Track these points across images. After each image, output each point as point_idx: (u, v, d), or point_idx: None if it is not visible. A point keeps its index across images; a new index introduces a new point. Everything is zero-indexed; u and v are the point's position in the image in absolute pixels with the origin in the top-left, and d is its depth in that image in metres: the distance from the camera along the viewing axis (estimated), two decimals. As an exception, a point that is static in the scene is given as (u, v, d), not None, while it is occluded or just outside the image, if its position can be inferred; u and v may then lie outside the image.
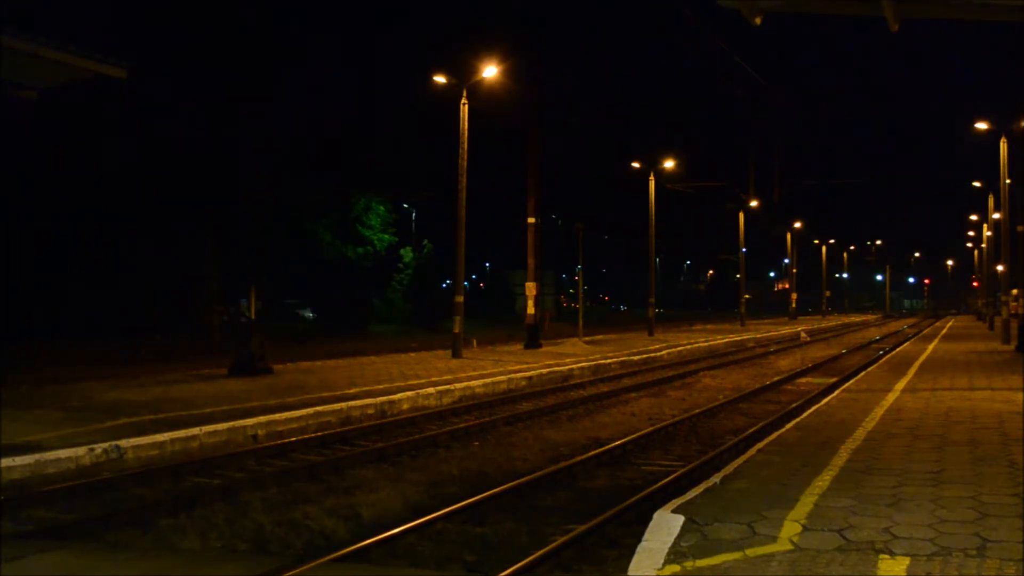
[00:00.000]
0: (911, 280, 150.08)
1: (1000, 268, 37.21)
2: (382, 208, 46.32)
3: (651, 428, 12.87)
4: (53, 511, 8.16)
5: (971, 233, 74.11)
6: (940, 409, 12.49)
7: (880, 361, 23.92)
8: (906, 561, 5.46)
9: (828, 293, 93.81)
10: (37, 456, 9.38)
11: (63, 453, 9.63)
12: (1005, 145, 30.97)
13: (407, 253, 51.97)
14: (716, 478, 7.83)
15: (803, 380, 21.23)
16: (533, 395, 17.22)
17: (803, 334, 43.37)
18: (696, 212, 76.01)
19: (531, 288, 27.56)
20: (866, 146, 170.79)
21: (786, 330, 47.25)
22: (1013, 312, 32.65)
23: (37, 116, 26.55)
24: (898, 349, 30.22)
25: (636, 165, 41.79)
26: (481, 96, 25.84)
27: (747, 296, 70.02)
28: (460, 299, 23.83)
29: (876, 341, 40.47)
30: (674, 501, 7.04)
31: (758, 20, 8.39)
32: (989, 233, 50.83)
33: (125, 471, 9.67)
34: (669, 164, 41.73)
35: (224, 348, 21.99)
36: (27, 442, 9.98)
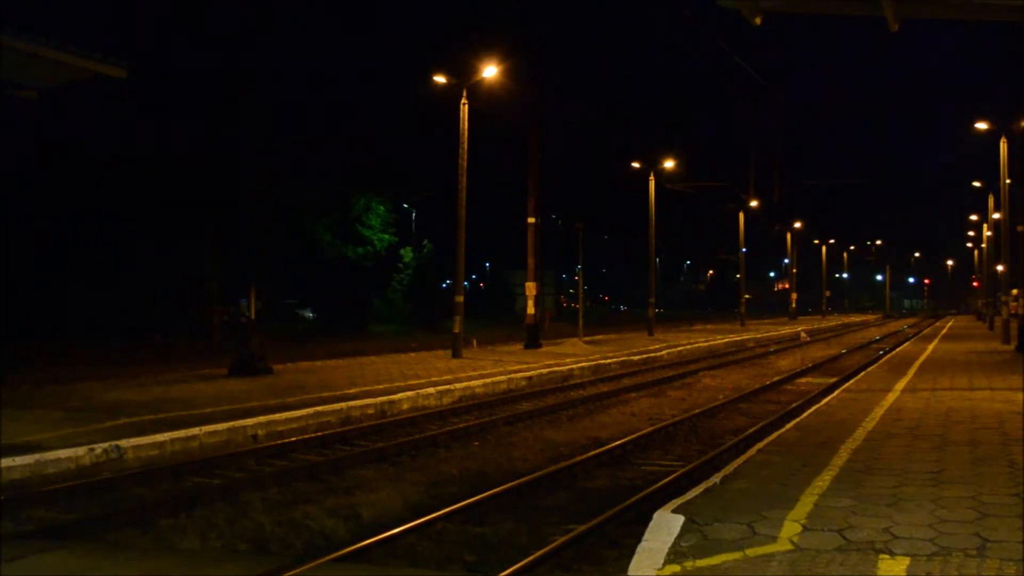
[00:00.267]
0: (911, 280, 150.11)
1: (1000, 268, 37.21)
2: (382, 208, 46.33)
3: (651, 428, 12.87)
4: (53, 511, 8.16)
5: (971, 233, 74.15)
6: (940, 409, 12.49)
7: (880, 361, 23.92)
8: (906, 561, 5.46)
9: (828, 293, 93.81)
10: (37, 456, 9.38)
11: (63, 453, 9.63)
12: (1005, 145, 30.97)
13: (407, 253, 51.98)
14: (716, 478, 7.83)
15: (803, 380, 21.23)
16: (533, 395, 17.22)
17: (803, 334, 43.37)
18: (696, 212, 76.09)
19: (531, 288, 27.57)
20: (866, 146, 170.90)
21: (786, 330, 47.25)
22: (1013, 312, 32.64)
23: (37, 116, 26.57)
24: (898, 349, 30.22)
25: (636, 165, 41.81)
26: (481, 96, 25.84)
27: (747, 296, 70.02)
28: (460, 299, 23.83)
29: (876, 341, 40.47)
30: (674, 501, 7.04)
31: (758, 20, 8.38)
32: (989, 233, 50.84)
33: (125, 471, 9.67)
34: (669, 164, 41.74)
35: (224, 348, 21.99)
36: (27, 442, 9.98)
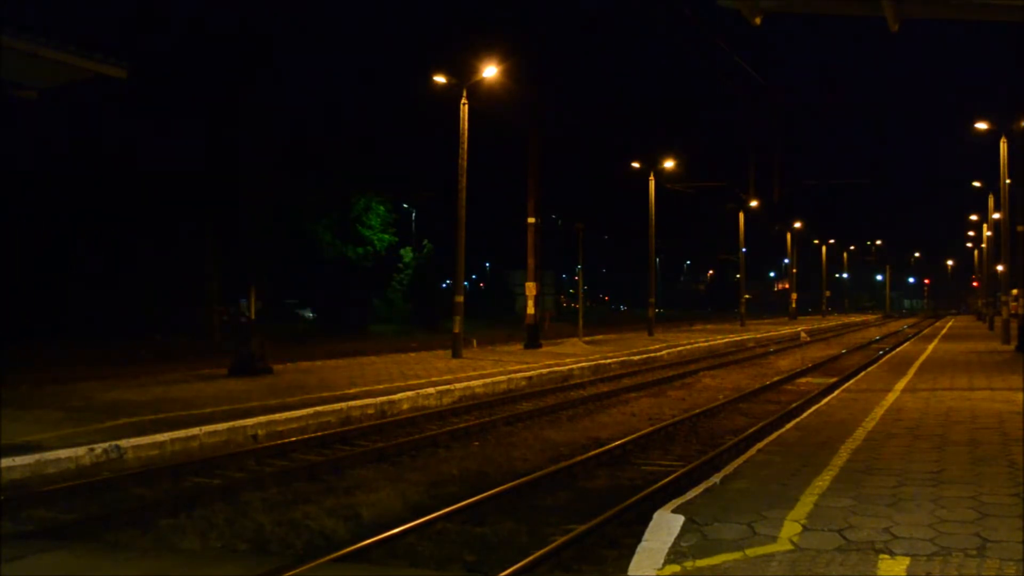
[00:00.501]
0: (911, 280, 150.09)
1: (1000, 268, 37.20)
2: (382, 208, 46.32)
3: (651, 428, 12.87)
4: (53, 511, 8.16)
5: (971, 233, 74.16)
6: (940, 409, 12.49)
7: (880, 361, 23.92)
8: (906, 561, 5.46)
9: (828, 293, 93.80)
10: (37, 456, 9.38)
11: (63, 453, 9.63)
12: (1005, 145, 30.97)
13: (407, 253, 51.97)
14: (716, 478, 7.83)
15: (803, 380, 21.23)
16: (533, 395, 17.22)
17: (803, 334, 43.37)
18: (696, 212, 76.01)
19: (531, 288, 27.57)
20: (866, 146, 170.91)
21: (786, 330, 47.25)
22: (1013, 312, 32.64)
23: (37, 116, 26.57)
24: (898, 349, 30.21)
25: (636, 165, 41.81)
26: (481, 96, 25.84)
27: (747, 296, 70.02)
28: (460, 299, 23.83)
29: (876, 341, 40.47)
30: (674, 501, 7.04)
31: (758, 20, 8.39)
32: (989, 233, 50.84)
33: (125, 471, 9.67)
34: (669, 164, 41.75)
35: (224, 348, 21.99)
36: (27, 442, 9.98)
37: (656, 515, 6.59)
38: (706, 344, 32.32)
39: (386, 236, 46.72)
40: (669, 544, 5.88)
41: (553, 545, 6.85)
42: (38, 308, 31.07)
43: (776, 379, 20.63)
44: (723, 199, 59.79)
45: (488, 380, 17.73)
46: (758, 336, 39.69)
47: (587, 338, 31.26)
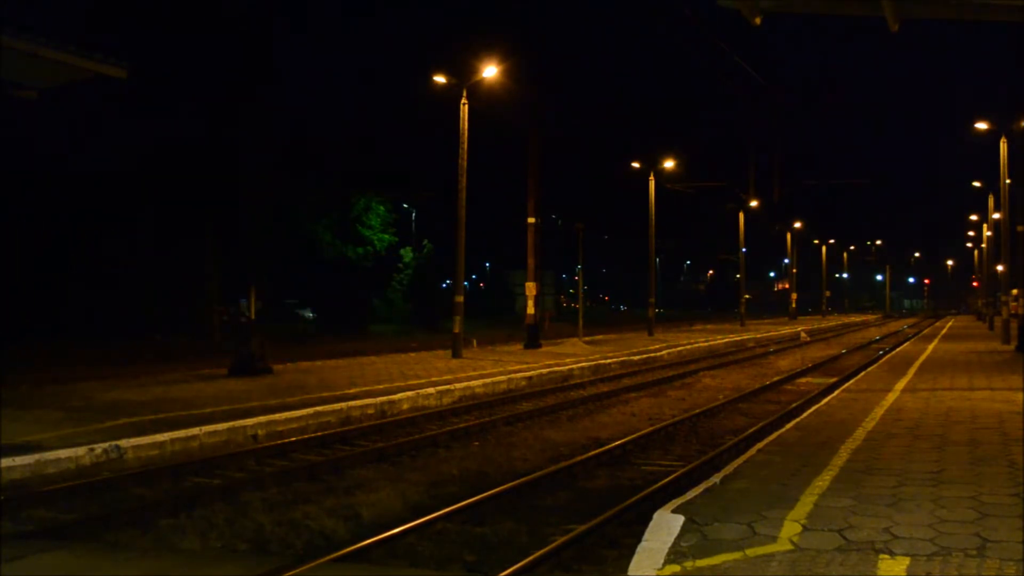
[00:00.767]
0: (911, 280, 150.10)
1: (1000, 268, 37.20)
2: (382, 208, 46.32)
3: (651, 428, 12.87)
4: (53, 511, 8.16)
5: (971, 233, 74.14)
6: (940, 409, 12.49)
7: (880, 361, 23.92)
8: (906, 561, 5.46)
9: (828, 293, 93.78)
10: (37, 456, 9.38)
11: (63, 453, 9.63)
12: (1005, 145, 30.97)
13: (407, 253, 51.97)
14: (716, 478, 7.83)
15: (803, 380, 21.23)
16: (533, 395, 17.22)
17: (803, 334, 43.37)
18: (696, 212, 76.03)
19: (531, 288, 27.57)
20: (866, 146, 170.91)
21: (786, 330, 47.25)
22: (1013, 312, 32.64)
23: (37, 116, 26.56)
24: (898, 349, 30.21)
25: (636, 165, 41.81)
26: (481, 96, 25.84)
27: (747, 296, 70.01)
28: (460, 299, 23.83)
29: (876, 341, 40.47)
30: (674, 501, 7.04)
31: (758, 20, 8.39)
32: (989, 233, 50.83)
33: (125, 471, 9.67)
34: (669, 164, 41.74)
35: (224, 348, 22.00)
36: (27, 442, 9.99)
37: (656, 515, 6.59)
38: (706, 344, 32.32)
39: (386, 236, 46.71)
40: (669, 544, 5.88)
41: (553, 545, 6.85)
42: (38, 308, 31.08)
43: (776, 379, 20.63)
44: (723, 199, 59.83)
45: (488, 380, 17.73)
46: (758, 336, 39.70)
47: (587, 338, 31.26)
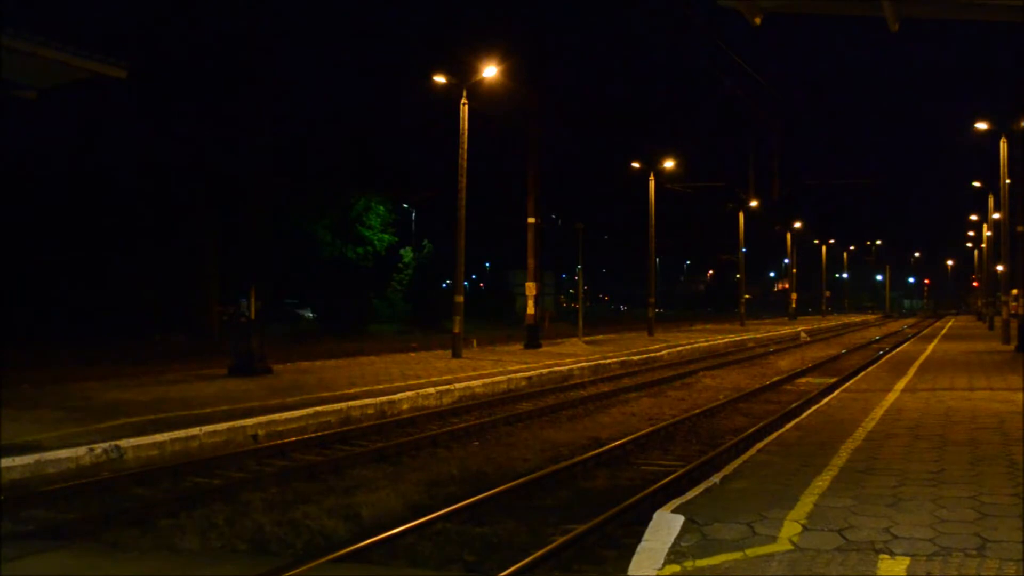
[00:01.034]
0: (911, 280, 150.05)
1: (1000, 268, 37.20)
2: (382, 208, 46.30)
3: (651, 428, 12.87)
4: (53, 511, 8.16)
5: (971, 233, 74.15)
6: (940, 409, 12.49)
7: (880, 361, 23.92)
8: (906, 561, 5.46)
9: (828, 293, 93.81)
10: (37, 456, 9.38)
11: (63, 453, 9.63)
12: (1005, 145, 30.97)
13: (407, 253, 51.97)
14: (716, 478, 7.83)
15: (803, 380, 21.23)
16: (533, 395, 17.22)
17: (803, 334, 43.37)
18: (696, 212, 75.98)
19: (531, 288, 27.57)
20: (866, 146, 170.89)
21: (786, 330, 47.25)
22: (1013, 312, 32.64)
23: (37, 115, 26.58)
24: (898, 349, 30.22)
25: (636, 165, 41.82)
26: (481, 96, 25.84)
27: (747, 296, 70.05)
28: (460, 299, 23.83)
29: (876, 341, 40.47)
30: (674, 501, 7.04)
31: (758, 20, 8.39)
32: (989, 233, 50.83)
33: (125, 471, 9.67)
34: (669, 164, 41.75)
35: (224, 348, 21.99)
36: (27, 442, 9.99)
37: (656, 515, 6.59)
38: (706, 344, 32.32)
39: (386, 236, 46.70)
40: (669, 544, 5.88)
41: (553, 545, 6.85)
42: (38, 308, 31.07)
43: (776, 379, 20.64)
44: (723, 199, 59.86)
45: (488, 380, 17.73)
46: (758, 336, 39.70)
47: (587, 338, 31.26)
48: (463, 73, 24.50)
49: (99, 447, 9.95)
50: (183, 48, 35.25)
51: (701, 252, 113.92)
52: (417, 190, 50.86)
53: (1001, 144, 31.01)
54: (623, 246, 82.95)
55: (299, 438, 11.68)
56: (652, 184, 40.61)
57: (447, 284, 47.78)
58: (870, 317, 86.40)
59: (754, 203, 57.89)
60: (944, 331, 45.48)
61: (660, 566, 5.50)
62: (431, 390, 15.77)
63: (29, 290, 30.72)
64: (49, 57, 9.34)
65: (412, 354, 25.33)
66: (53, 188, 33.16)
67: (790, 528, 6.16)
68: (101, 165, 34.45)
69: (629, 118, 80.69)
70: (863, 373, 19.88)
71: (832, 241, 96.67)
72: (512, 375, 18.85)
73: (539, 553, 6.62)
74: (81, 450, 9.79)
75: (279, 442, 11.39)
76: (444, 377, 17.94)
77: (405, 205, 55.01)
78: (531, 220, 27.71)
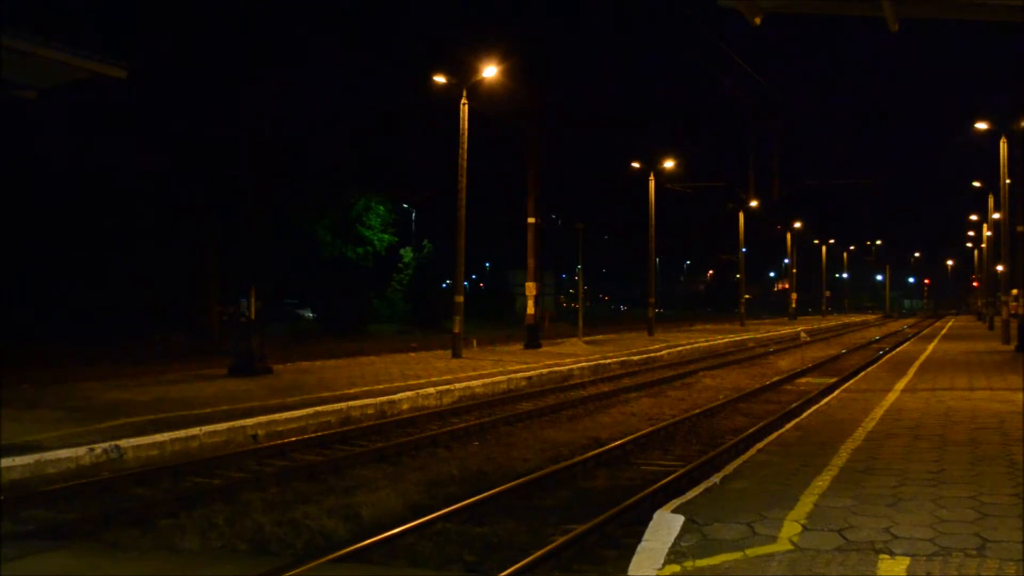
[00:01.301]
0: (911, 280, 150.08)
1: (1000, 268, 37.20)
2: (382, 208, 46.29)
3: (651, 428, 12.87)
4: (53, 511, 8.16)
5: (971, 233, 74.17)
6: (940, 409, 12.49)
7: (880, 361, 23.92)
8: (906, 561, 5.46)
9: (828, 293, 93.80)
10: (37, 456, 9.38)
11: (63, 453, 9.63)
12: (1005, 145, 30.97)
13: (407, 253, 51.96)
14: (716, 478, 7.83)
15: (803, 380, 21.23)
16: (533, 395, 17.22)
17: (803, 334, 43.37)
18: (696, 212, 75.95)
19: (531, 288, 27.57)
20: (866, 146, 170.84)
21: (786, 330, 47.25)
22: (1013, 312, 32.64)
23: (37, 115, 26.56)
24: (898, 349, 30.22)
25: (636, 165, 41.83)
26: (481, 96, 25.84)
27: (747, 296, 70.05)
28: (460, 299, 23.83)
29: (876, 341, 40.47)
30: (674, 501, 7.04)
31: (758, 20, 8.39)
32: (989, 233, 50.84)
33: (125, 471, 9.67)
34: (669, 164, 41.76)
35: (224, 348, 21.99)
36: (27, 442, 9.99)
37: (656, 515, 6.59)
38: (706, 344, 32.32)
39: (386, 236, 46.69)
40: (669, 544, 5.88)
41: (553, 545, 6.85)
42: (38, 308, 31.06)
43: (776, 379, 20.64)
44: (723, 199, 59.87)
45: (488, 380, 17.73)
46: (758, 336, 39.70)
47: (587, 338, 31.26)
48: (463, 73, 24.50)
49: (99, 447, 9.95)
50: (183, 48, 35.24)
51: (701, 252, 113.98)
52: (417, 190, 50.84)
53: (1001, 144, 31.02)
54: (623, 246, 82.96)
55: (299, 438, 11.68)
56: (652, 184, 40.62)
57: (447, 284, 47.79)
58: (870, 317, 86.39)
59: (754, 203, 57.91)
60: (944, 331, 45.48)
61: (660, 566, 5.50)
62: (431, 390, 15.77)
63: (29, 290, 30.70)
64: (49, 57, 9.32)
65: (412, 354, 25.33)
66: (53, 188, 33.14)
67: (790, 528, 6.16)
68: (101, 165, 34.42)
69: (629, 118, 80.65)
70: (863, 373, 19.88)
71: (832, 241, 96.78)
72: (512, 375, 18.85)
73: (539, 553, 6.62)
74: (81, 450, 9.79)
75: (279, 442, 11.39)
76: (444, 377, 17.94)
77: (405, 205, 55.00)
78: (531, 220, 27.72)
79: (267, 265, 21.94)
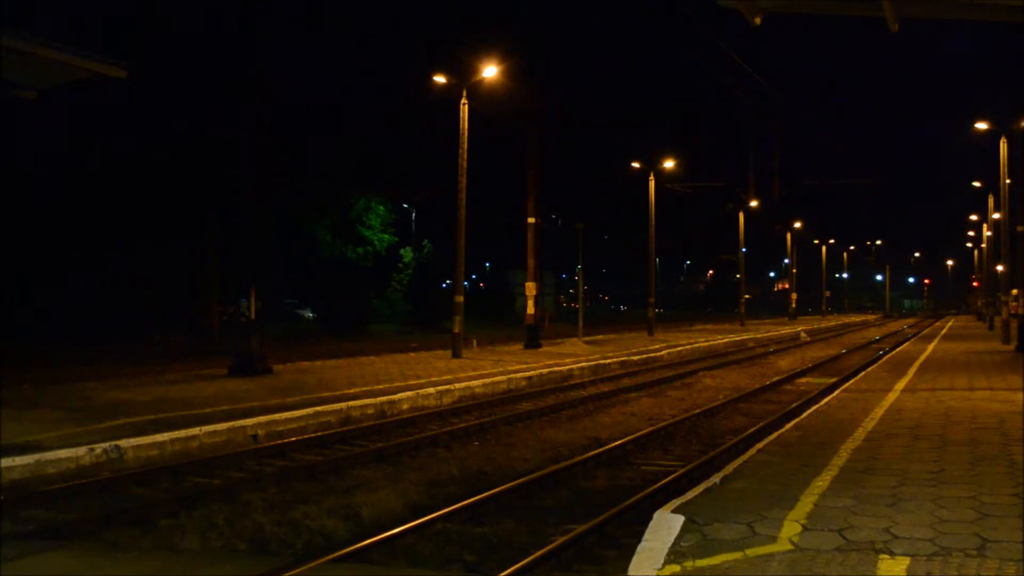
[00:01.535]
0: (911, 280, 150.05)
1: (1000, 268, 37.20)
2: (382, 208, 46.28)
3: (651, 428, 12.87)
4: (53, 511, 8.16)
5: (971, 233, 74.16)
6: (940, 409, 12.49)
7: (880, 361, 23.92)
8: (906, 561, 5.46)
9: (828, 293, 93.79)
10: (37, 456, 9.38)
11: (63, 453, 9.63)
12: (1005, 145, 30.97)
13: (407, 253, 51.95)
14: (716, 478, 7.83)
15: (803, 380, 21.23)
16: (533, 395, 17.22)
17: (803, 334, 43.37)
18: (696, 212, 75.93)
19: (531, 288, 27.57)
20: (866, 146, 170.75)
21: (786, 330, 47.25)
22: (1013, 312, 32.63)
23: (37, 115, 26.56)
24: (898, 349, 30.22)
25: (636, 165, 41.83)
26: (481, 96, 25.84)
27: (747, 296, 70.05)
28: (460, 299, 23.83)
29: (876, 341, 40.47)
30: (674, 501, 7.04)
31: (758, 20, 8.40)
32: (989, 233, 50.83)
33: (125, 471, 9.67)
34: (669, 164, 41.78)
35: (224, 348, 21.99)
36: (27, 442, 9.99)
37: (656, 515, 6.59)
38: (706, 344, 32.32)
39: (386, 236, 46.68)
40: (669, 544, 5.88)
41: (553, 545, 6.85)
42: (38, 308, 31.06)
43: (776, 379, 20.64)
44: (723, 199, 59.86)
45: (488, 380, 17.73)
46: (758, 336, 39.70)
47: (587, 338, 31.26)
48: (463, 73, 24.50)
49: (99, 447, 9.95)
50: (183, 47, 35.25)
51: (701, 252, 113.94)
52: (417, 190, 50.82)
53: (1001, 144, 31.02)
54: (623, 246, 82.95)
55: (299, 438, 11.68)
56: (652, 184, 40.62)
57: (447, 284, 47.77)
58: (870, 317, 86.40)
59: (754, 203, 57.89)
60: (944, 331, 45.48)
61: (660, 566, 5.50)
62: (431, 390, 15.77)
63: (29, 290, 30.70)
64: (49, 57, 9.33)
65: (412, 354, 25.33)
66: (53, 188, 33.14)
67: (790, 528, 6.16)
68: (101, 165, 34.42)
69: (629, 118, 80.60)
70: (863, 373, 19.88)
71: (832, 241, 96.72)
72: (512, 375, 18.85)
73: (539, 553, 6.62)
74: (81, 450, 9.79)
75: (279, 442, 11.39)
76: (444, 377, 17.94)
77: (405, 205, 54.98)
78: (531, 220, 27.72)
79: (267, 265, 21.90)
